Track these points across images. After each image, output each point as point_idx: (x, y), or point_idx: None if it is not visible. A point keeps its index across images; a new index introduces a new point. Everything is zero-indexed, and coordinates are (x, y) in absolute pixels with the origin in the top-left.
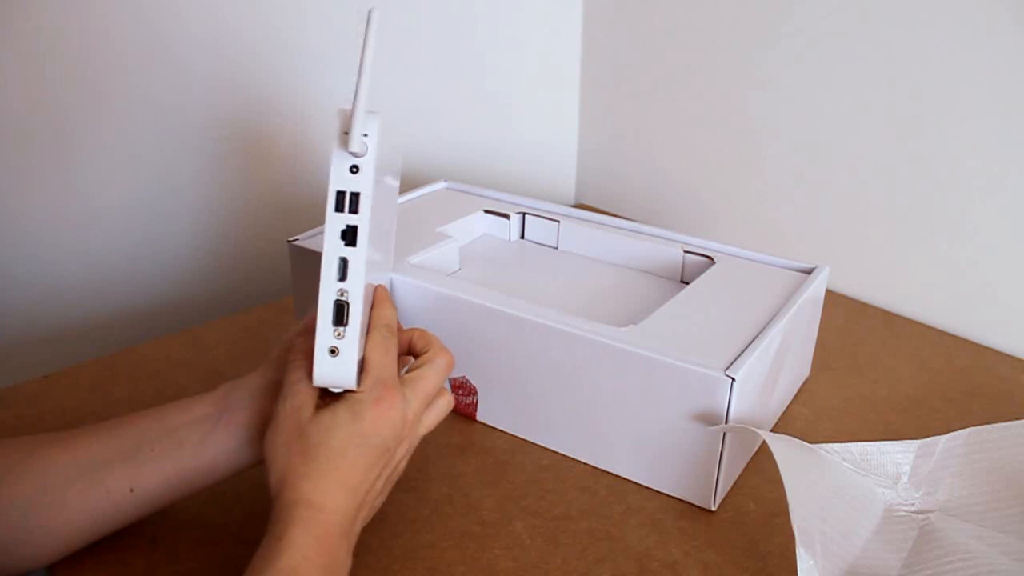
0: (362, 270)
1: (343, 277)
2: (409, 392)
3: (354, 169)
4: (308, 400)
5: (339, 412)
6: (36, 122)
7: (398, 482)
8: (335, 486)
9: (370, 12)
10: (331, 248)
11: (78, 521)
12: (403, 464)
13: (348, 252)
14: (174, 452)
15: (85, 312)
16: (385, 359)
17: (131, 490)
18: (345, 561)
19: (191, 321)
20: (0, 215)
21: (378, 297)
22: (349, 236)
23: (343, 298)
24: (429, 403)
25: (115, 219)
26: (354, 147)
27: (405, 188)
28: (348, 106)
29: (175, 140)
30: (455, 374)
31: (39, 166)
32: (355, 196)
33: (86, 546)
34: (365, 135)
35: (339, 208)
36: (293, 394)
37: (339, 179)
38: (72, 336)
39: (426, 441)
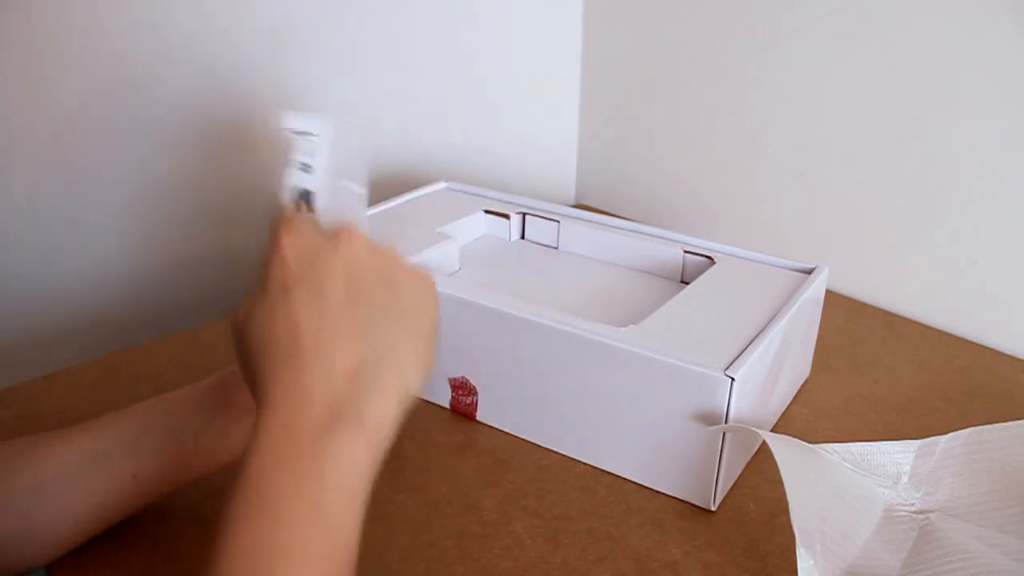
0: None
1: None
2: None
3: (305, 168)
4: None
5: (248, 299)
6: (35, 122)
7: (398, 482)
8: (270, 372)
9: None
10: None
11: (83, 511)
12: (418, 299)
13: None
14: (175, 439)
15: (85, 312)
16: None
17: (134, 477)
18: (341, 457)
19: (191, 321)
20: None
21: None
22: None
23: None
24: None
25: (115, 219)
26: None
27: (405, 188)
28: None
29: (176, 139)
30: (455, 374)
31: (39, 166)
32: (306, 194)
33: (90, 538)
34: (315, 135)
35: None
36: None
37: (289, 178)
38: (72, 336)
39: (426, 441)
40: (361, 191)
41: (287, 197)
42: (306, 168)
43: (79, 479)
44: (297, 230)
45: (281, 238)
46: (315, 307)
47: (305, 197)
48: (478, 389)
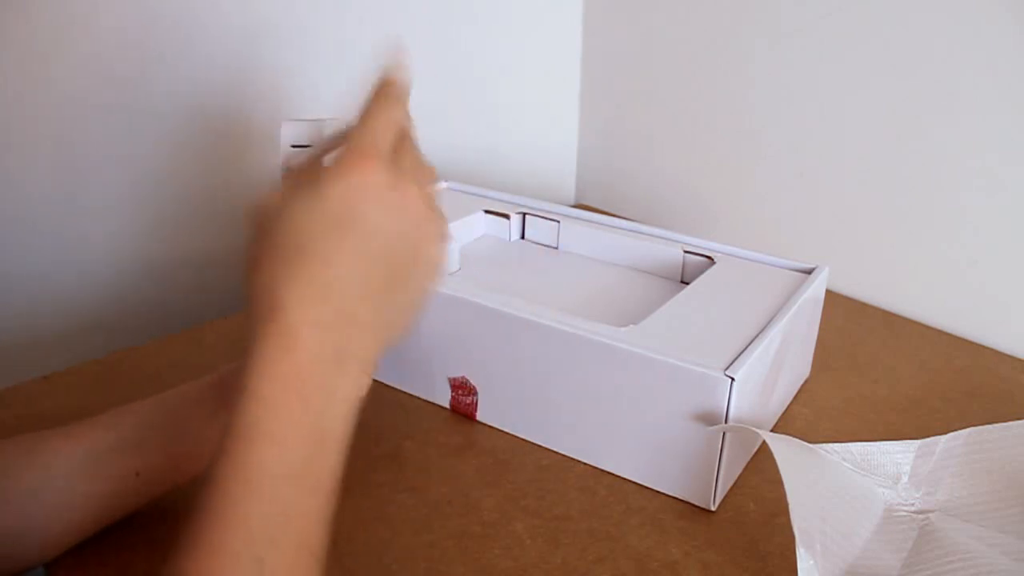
0: None
1: None
2: (398, 159)
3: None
4: (273, 195)
5: (300, 190)
6: (34, 121)
7: (398, 482)
8: (299, 291)
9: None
10: None
11: (85, 508)
12: (427, 264)
13: None
14: (177, 435)
15: (85, 312)
16: (373, 122)
17: (137, 474)
18: (337, 396)
19: (191, 321)
20: None
21: (386, 69)
22: None
23: None
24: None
25: (115, 219)
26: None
27: None
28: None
29: (177, 139)
30: (455, 374)
31: (38, 166)
32: None
33: (91, 537)
34: (306, 145)
35: None
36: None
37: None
38: (72, 336)
39: (426, 441)
40: None
41: None
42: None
43: (79, 478)
44: (392, 174)
45: (394, 181)
46: (394, 268)
47: None
48: (478, 389)
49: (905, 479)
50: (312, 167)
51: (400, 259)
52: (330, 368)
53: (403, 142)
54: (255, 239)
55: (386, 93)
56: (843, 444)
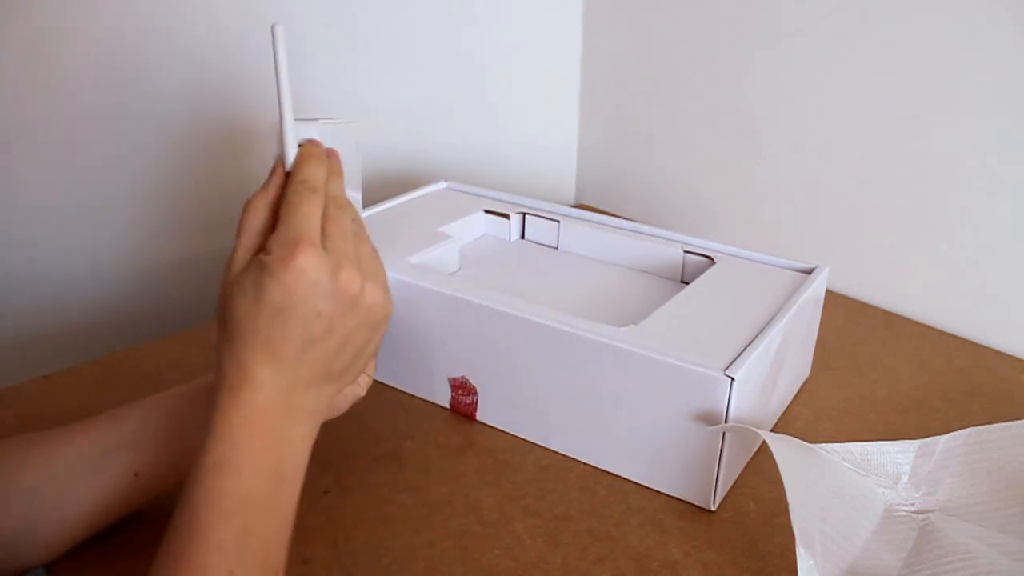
0: None
1: None
2: (328, 242)
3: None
4: (235, 262)
5: (245, 280)
6: (34, 123)
7: (398, 482)
8: (255, 362)
9: (273, 28)
10: None
11: (85, 508)
12: (371, 329)
13: None
14: (176, 435)
15: (85, 312)
16: (297, 215)
17: (136, 474)
18: (291, 436)
19: (191, 321)
20: None
21: (302, 154)
22: None
23: None
24: (353, 235)
25: (115, 219)
26: (288, 163)
27: (405, 188)
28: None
29: (176, 139)
30: (455, 374)
31: (38, 166)
32: None
33: (91, 537)
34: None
35: None
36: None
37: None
38: (72, 336)
39: (426, 441)
40: (355, 195)
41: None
42: None
43: (79, 478)
44: (325, 262)
45: (329, 270)
46: (332, 341)
47: None
48: (478, 389)
49: (905, 479)
50: (254, 261)
51: (341, 330)
52: (283, 417)
53: (330, 219)
54: (218, 318)
55: (308, 179)
56: (843, 444)
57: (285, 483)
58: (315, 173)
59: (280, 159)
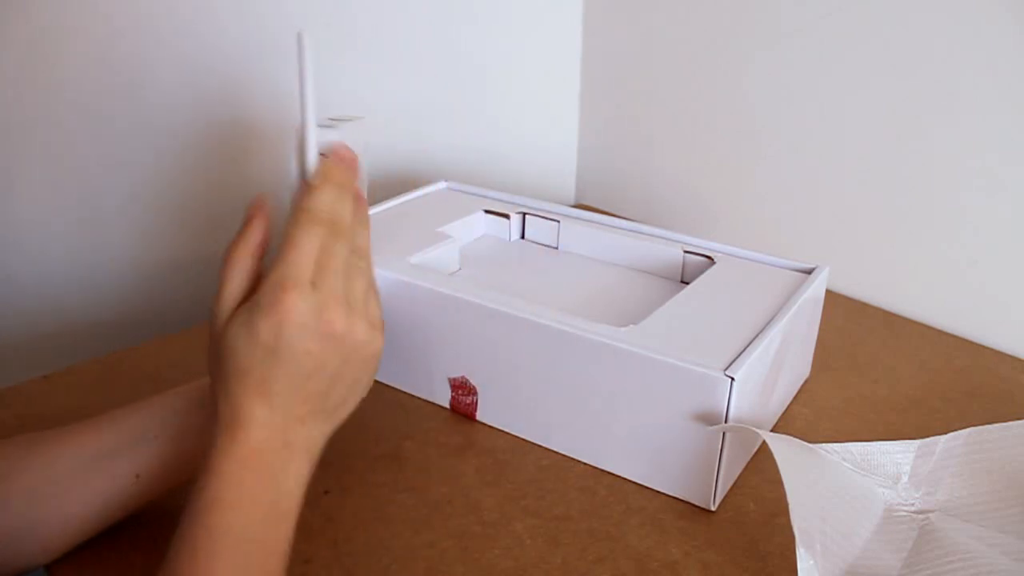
0: None
1: None
2: (319, 280)
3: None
4: (221, 309)
5: (236, 323)
6: (34, 125)
7: (398, 482)
8: (249, 402)
9: (300, 35)
10: None
11: (85, 509)
12: (361, 364)
13: None
14: (177, 437)
15: (85, 312)
16: (290, 253)
17: (137, 476)
18: (287, 473)
19: (191, 321)
20: None
21: (310, 183)
22: None
23: None
24: (347, 272)
25: (115, 219)
26: (310, 172)
27: (405, 188)
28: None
29: (176, 139)
30: (455, 374)
31: (38, 166)
32: None
33: (91, 538)
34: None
35: None
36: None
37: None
38: (72, 336)
39: (426, 441)
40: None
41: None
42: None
43: (79, 478)
44: (312, 305)
45: (315, 314)
46: (322, 382)
47: None
48: (478, 389)
49: (905, 479)
50: (246, 304)
51: (331, 368)
52: (278, 454)
53: (325, 253)
54: (211, 362)
55: (312, 208)
56: (843, 444)
57: (281, 519)
58: (318, 203)
59: (257, 200)
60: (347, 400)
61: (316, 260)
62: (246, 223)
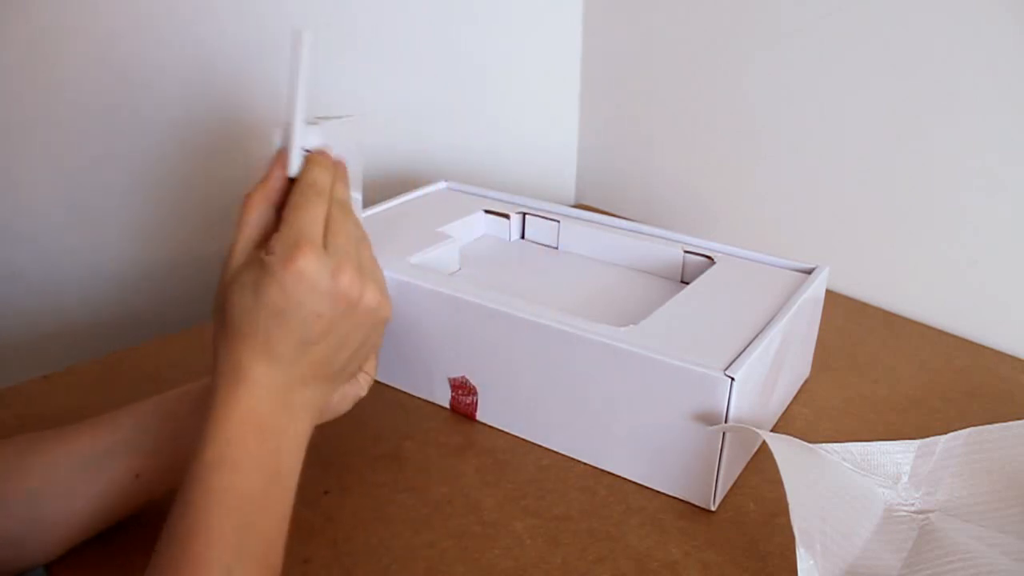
0: None
1: None
2: (331, 245)
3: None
4: (237, 253)
5: (245, 279)
6: (34, 123)
7: (398, 482)
8: (254, 359)
9: (301, 33)
10: None
11: (85, 510)
12: (369, 330)
13: None
14: (176, 437)
15: (85, 312)
16: (301, 217)
17: (137, 476)
18: (288, 433)
19: (190, 321)
20: None
21: (310, 158)
22: None
23: None
24: (358, 239)
25: (115, 219)
26: (293, 170)
27: (405, 188)
28: (290, 120)
29: (176, 139)
30: (455, 374)
31: (39, 166)
32: None
33: (91, 537)
34: (307, 150)
35: None
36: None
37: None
38: (72, 336)
39: (426, 441)
40: (356, 195)
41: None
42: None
43: (79, 478)
44: (326, 265)
45: (330, 273)
46: (330, 341)
47: None
48: (478, 389)
49: (905, 479)
50: (255, 260)
51: (339, 332)
52: (280, 413)
53: (334, 222)
54: (216, 312)
55: (315, 183)
56: (843, 444)
57: (282, 479)
58: (322, 177)
59: (283, 150)
60: (350, 364)
61: (325, 227)
62: (270, 168)
